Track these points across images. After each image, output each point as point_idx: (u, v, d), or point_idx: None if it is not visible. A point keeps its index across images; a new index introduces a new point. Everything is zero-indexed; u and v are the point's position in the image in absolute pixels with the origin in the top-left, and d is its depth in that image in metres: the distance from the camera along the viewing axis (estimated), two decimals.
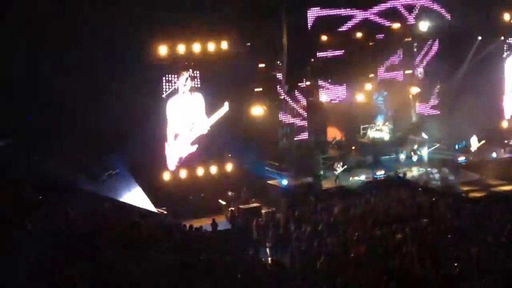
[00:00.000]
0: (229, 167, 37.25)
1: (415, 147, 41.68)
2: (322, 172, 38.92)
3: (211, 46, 36.40)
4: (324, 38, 41.36)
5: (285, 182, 36.60)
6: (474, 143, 42.51)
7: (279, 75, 40.06)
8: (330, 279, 23.34)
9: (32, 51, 31.37)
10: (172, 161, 36.24)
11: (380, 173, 38.84)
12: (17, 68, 30.87)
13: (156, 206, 33.36)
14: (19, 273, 16.65)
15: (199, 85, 36.75)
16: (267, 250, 30.26)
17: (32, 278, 16.50)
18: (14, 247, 18.39)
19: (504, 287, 21.37)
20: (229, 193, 35.85)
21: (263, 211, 34.40)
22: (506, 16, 44.49)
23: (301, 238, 29.25)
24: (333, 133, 43.81)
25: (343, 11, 41.30)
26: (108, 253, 20.04)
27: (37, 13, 31.46)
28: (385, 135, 43.53)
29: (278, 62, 39.84)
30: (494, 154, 42.20)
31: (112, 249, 20.65)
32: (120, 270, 18.79)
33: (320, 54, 41.37)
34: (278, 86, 40.24)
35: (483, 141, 42.37)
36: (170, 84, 36.00)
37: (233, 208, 34.62)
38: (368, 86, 42.96)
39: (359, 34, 42.02)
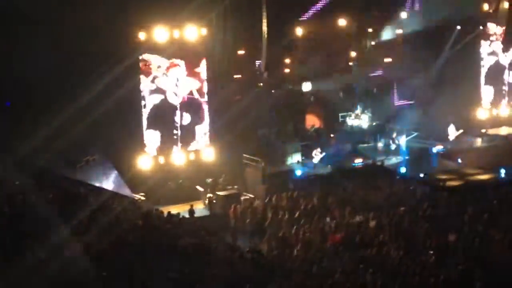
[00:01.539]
0: (207, 153, 37.08)
1: (394, 135, 41.76)
2: (301, 160, 38.95)
3: (191, 32, 36.15)
4: (304, 25, 41.43)
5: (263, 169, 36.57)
6: (452, 132, 42.70)
7: (259, 62, 39.99)
8: (307, 266, 23.43)
9: (7, 38, 31.11)
10: (151, 146, 36.04)
11: (358, 161, 38.91)
12: None
13: (134, 192, 33.26)
14: None
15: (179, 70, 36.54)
16: (245, 237, 30.30)
17: None
18: None
19: (481, 274, 21.50)
20: (207, 180, 35.78)
21: (242, 198, 34.38)
22: (485, 6, 44.61)
23: (278, 225, 29.33)
24: (312, 121, 43.83)
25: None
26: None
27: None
28: (364, 123, 43.59)
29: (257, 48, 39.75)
30: (471, 143, 42.45)
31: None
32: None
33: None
34: (257, 73, 40.16)
35: (461, 130, 42.55)
36: (148, 68, 35.73)
37: (211, 195, 34.57)
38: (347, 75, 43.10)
39: (340, 22, 42.10)
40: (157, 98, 35.90)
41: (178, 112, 36.38)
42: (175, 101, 36.23)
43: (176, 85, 36.20)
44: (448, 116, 42.27)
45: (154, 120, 35.92)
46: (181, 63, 36.30)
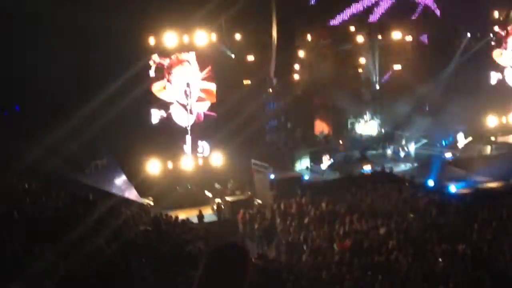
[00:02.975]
0: (216, 159, 37.07)
1: (403, 142, 41.69)
2: (309, 166, 38.93)
3: (200, 37, 36.21)
4: (313, 32, 41.55)
5: (272, 175, 36.53)
6: (461, 140, 42.60)
7: (268, 68, 40.07)
8: (315, 273, 23.38)
9: (20, 43, 31.24)
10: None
11: (367, 167, 38.85)
12: (4, 58, 30.76)
13: (142, 196, 33.29)
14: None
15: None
16: (253, 242, 30.28)
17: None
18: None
19: (490, 283, 21.42)
20: (216, 185, 35.79)
21: (254, 203, 34.38)
22: (495, 14, 44.57)
23: (286, 231, 29.29)
24: (321, 127, 43.84)
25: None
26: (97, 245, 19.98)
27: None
28: (373, 130, 43.56)
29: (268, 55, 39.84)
30: (480, 151, 42.32)
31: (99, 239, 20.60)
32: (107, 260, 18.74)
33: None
34: (266, 79, 40.22)
35: (470, 138, 42.45)
36: (158, 73, 35.79)
37: (219, 200, 34.56)
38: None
39: (351, 29, 42.23)
40: (169, 98, 35.98)
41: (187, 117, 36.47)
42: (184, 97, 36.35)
43: (186, 91, 36.24)
44: (458, 124, 42.14)
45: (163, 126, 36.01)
46: (191, 67, 36.32)
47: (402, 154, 41.19)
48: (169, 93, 36.13)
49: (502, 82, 45.36)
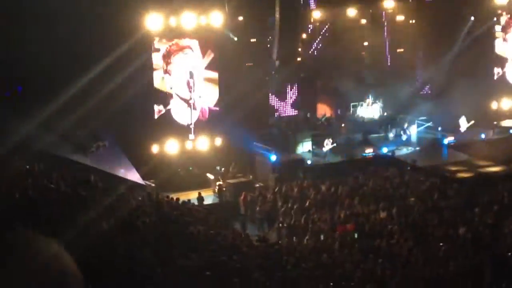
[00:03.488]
0: (218, 141, 37.05)
1: (405, 126, 41.63)
2: (311, 149, 38.90)
3: (203, 19, 36.05)
4: (317, 14, 41.43)
5: (273, 157, 36.50)
6: (463, 124, 42.49)
7: (271, 51, 39.96)
8: (316, 256, 23.42)
9: (20, 24, 31.20)
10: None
11: (369, 151, 38.80)
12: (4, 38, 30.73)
13: (144, 178, 33.29)
14: None
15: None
16: (254, 225, 30.34)
17: None
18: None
19: (491, 267, 21.47)
20: (217, 168, 35.78)
21: (255, 186, 34.40)
22: None
23: (288, 214, 29.34)
24: (323, 110, 43.77)
25: None
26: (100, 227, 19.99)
27: None
28: (375, 113, 43.50)
29: (270, 37, 39.70)
30: (483, 135, 42.22)
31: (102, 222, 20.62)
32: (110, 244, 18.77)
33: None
34: (269, 62, 40.13)
35: (472, 122, 42.32)
36: (159, 55, 35.63)
37: (221, 182, 34.57)
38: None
39: (352, 12, 42.10)
40: (171, 81, 35.84)
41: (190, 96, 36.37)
42: (187, 89, 36.20)
43: (189, 82, 36.12)
44: (460, 108, 42.02)
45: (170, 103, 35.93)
46: (194, 48, 36.09)
47: (404, 137, 41.10)
48: (168, 85, 35.78)
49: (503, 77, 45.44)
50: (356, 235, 25.84)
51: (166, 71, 35.50)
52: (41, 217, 19.49)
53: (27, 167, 26.77)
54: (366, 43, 43.86)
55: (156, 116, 35.60)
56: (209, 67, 36.46)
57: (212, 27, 35.90)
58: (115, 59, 32.47)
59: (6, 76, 31.94)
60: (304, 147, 39.13)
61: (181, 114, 36.16)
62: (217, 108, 36.70)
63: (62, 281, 4.11)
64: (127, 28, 33.43)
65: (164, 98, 35.73)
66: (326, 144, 38.76)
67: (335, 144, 38.74)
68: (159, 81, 35.50)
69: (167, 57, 35.44)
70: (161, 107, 35.65)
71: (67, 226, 18.61)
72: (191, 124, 36.29)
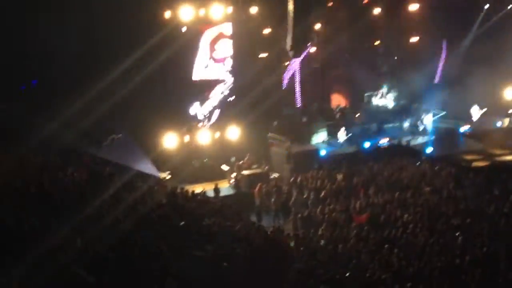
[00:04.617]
0: (233, 132, 37.07)
1: (420, 115, 41.50)
2: (326, 139, 38.88)
3: (216, 10, 36.10)
4: (330, 3, 41.32)
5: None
6: (475, 112, 42.30)
7: (285, 41, 39.89)
8: (332, 246, 23.43)
9: (38, 18, 31.26)
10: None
11: (384, 141, 38.72)
12: (21, 33, 30.80)
13: (159, 171, 33.36)
14: None
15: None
16: (270, 216, 30.37)
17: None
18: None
19: (506, 255, 21.41)
20: (232, 159, 35.83)
21: (271, 177, 34.42)
22: None
23: (303, 205, 29.34)
24: (338, 101, 43.70)
25: None
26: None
27: None
28: (389, 103, 43.39)
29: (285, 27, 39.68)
30: (498, 123, 42.04)
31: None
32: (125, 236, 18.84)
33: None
34: (283, 52, 40.08)
35: (484, 109, 42.10)
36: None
37: (236, 174, 34.60)
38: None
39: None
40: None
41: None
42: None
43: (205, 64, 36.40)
44: (476, 96, 41.81)
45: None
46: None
47: (421, 127, 40.94)
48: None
49: None
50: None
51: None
52: (55, 209, 19.59)
53: (42, 160, 26.86)
54: (380, 32, 43.61)
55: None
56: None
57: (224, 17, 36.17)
58: (144, 51, 32.74)
59: (21, 70, 32.03)
60: (319, 138, 39.10)
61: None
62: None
63: None
64: (156, 20, 33.73)
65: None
66: (341, 134, 38.75)
67: (350, 134, 38.72)
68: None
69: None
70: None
71: (81, 218, 18.73)
72: (207, 115, 36.60)
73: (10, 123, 28.87)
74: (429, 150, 37.40)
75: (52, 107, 30.55)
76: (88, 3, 31.44)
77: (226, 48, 36.99)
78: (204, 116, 36.61)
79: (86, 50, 31.59)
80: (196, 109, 36.50)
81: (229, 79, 37.19)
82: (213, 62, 36.74)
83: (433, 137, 39.98)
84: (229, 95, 37.42)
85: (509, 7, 44.41)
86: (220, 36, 36.70)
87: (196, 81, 36.54)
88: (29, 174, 23.19)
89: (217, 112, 37.16)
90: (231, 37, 37.00)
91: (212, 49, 36.49)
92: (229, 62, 37.19)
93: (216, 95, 37.01)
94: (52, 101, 30.86)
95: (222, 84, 37.08)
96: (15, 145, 26.26)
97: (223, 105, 37.23)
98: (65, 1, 31.21)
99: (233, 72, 37.23)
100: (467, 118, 41.94)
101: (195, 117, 36.56)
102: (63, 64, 30.92)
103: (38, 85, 33.12)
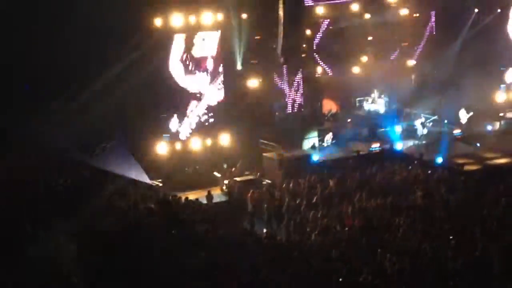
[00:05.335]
0: (224, 139, 37.12)
1: (411, 119, 41.58)
2: (318, 144, 38.89)
3: (207, 17, 36.15)
4: (320, 10, 41.34)
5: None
6: (463, 116, 42.39)
7: (275, 47, 39.92)
8: (325, 251, 23.40)
9: (30, 23, 31.32)
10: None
11: (376, 145, 38.75)
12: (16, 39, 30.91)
13: (151, 178, 33.34)
14: None
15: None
16: (262, 222, 30.32)
17: None
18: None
19: (499, 259, 21.41)
20: (224, 166, 35.82)
21: (263, 183, 34.42)
22: None
23: (296, 211, 29.30)
24: (329, 106, 43.73)
25: None
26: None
27: None
28: (381, 108, 43.45)
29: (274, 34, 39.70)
30: (489, 127, 42.14)
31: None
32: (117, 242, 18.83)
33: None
34: (274, 58, 40.12)
35: (471, 113, 42.17)
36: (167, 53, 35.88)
37: (228, 181, 34.58)
38: (364, 59, 43.01)
39: (355, 7, 42.05)
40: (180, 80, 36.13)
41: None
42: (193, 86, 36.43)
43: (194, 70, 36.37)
44: (466, 100, 41.94)
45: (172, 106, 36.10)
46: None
47: (424, 131, 40.90)
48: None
49: None
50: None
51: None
52: (48, 217, 19.61)
53: (34, 165, 26.87)
54: (370, 38, 43.62)
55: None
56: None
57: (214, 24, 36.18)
58: (130, 58, 32.77)
59: (15, 75, 32.07)
60: (311, 143, 39.11)
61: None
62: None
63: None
64: (145, 26, 33.78)
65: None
66: (327, 141, 38.87)
67: (334, 141, 38.83)
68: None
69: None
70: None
71: (73, 225, 18.73)
72: (197, 122, 36.63)
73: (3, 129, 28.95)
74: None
75: (44, 112, 30.61)
76: (85, 10, 31.55)
77: (206, 52, 36.78)
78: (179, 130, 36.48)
79: (76, 58, 31.61)
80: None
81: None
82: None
83: (424, 141, 40.06)
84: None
85: (498, 11, 44.48)
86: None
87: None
88: (20, 181, 23.20)
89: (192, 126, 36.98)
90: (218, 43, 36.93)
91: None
92: (215, 70, 36.97)
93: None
94: (44, 105, 30.93)
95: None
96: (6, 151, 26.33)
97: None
98: (54, 13, 31.29)
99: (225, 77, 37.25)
100: (459, 122, 42.04)
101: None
102: (55, 70, 30.98)
103: (30, 89, 33.13)
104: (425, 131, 40.83)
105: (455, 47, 44.08)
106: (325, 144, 38.69)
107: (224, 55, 37.14)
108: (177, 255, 19.25)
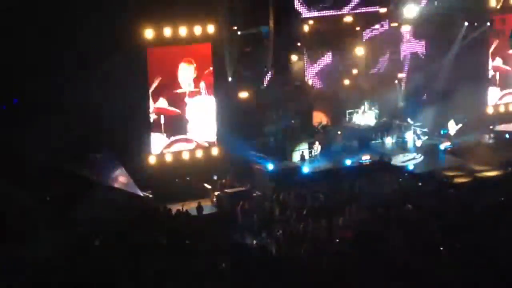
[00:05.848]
0: (214, 151, 37.15)
1: (401, 132, 41.71)
2: (308, 156, 38.94)
3: (197, 30, 36.19)
4: (311, 22, 41.45)
5: (270, 166, 36.54)
6: (452, 127, 42.51)
7: (266, 59, 39.99)
8: (315, 263, 23.41)
9: (18, 35, 31.34)
10: (157, 144, 36.09)
11: (366, 158, 38.80)
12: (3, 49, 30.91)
13: (141, 189, 33.28)
14: None
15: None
16: (252, 234, 30.30)
17: None
18: None
19: (490, 272, 21.44)
20: (215, 177, 35.81)
21: (253, 194, 34.42)
22: (492, 2, 44.31)
23: (286, 223, 29.32)
24: (319, 118, 43.75)
25: None
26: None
27: None
28: (371, 120, 43.52)
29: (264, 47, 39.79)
30: (479, 139, 42.29)
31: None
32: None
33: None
34: (264, 70, 40.19)
35: (460, 125, 42.30)
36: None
37: (219, 192, 34.58)
38: (354, 71, 43.11)
39: (347, 19, 42.15)
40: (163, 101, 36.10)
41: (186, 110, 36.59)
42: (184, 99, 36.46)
43: (185, 83, 36.35)
44: (456, 112, 42.09)
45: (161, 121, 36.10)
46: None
47: (400, 143, 41.05)
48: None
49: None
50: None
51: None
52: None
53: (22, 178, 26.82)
54: (361, 50, 43.67)
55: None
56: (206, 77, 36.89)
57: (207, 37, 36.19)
58: (109, 68, 32.69)
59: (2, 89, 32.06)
60: (300, 155, 39.14)
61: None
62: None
63: None
64: (121, 37, 33.67)
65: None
66: (313, 151, 38.98)
67: (317, 152, 38.94)
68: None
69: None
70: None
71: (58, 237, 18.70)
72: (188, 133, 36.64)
73: None
74: (411, 166, 37.52)
75: (32, 125, 30.56)
76: (72, 22, 31.56)
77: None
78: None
79: (70, 68, 31.69)
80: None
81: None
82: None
83: (414, 154, 40.16)
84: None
85: (487, 24, 44.59)
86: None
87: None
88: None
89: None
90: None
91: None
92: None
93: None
94: (30, 120, 30.89)
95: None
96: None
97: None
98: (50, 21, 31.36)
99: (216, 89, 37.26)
100: (448, 135, 42.17)
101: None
102: (41, 83, 31.00)
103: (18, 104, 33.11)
104: (418, 143, 40.98)
105: (446, 59, 44.17)
106: (313, 156, 38.79)
107: (216, 67, 37.08)
108: (167, 267, 19.24)
